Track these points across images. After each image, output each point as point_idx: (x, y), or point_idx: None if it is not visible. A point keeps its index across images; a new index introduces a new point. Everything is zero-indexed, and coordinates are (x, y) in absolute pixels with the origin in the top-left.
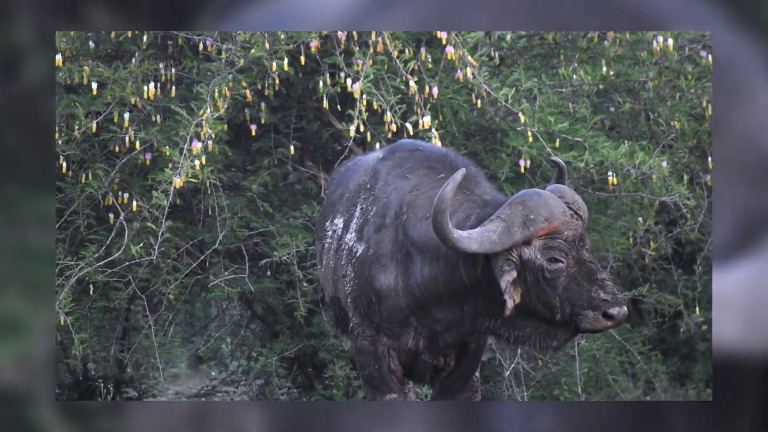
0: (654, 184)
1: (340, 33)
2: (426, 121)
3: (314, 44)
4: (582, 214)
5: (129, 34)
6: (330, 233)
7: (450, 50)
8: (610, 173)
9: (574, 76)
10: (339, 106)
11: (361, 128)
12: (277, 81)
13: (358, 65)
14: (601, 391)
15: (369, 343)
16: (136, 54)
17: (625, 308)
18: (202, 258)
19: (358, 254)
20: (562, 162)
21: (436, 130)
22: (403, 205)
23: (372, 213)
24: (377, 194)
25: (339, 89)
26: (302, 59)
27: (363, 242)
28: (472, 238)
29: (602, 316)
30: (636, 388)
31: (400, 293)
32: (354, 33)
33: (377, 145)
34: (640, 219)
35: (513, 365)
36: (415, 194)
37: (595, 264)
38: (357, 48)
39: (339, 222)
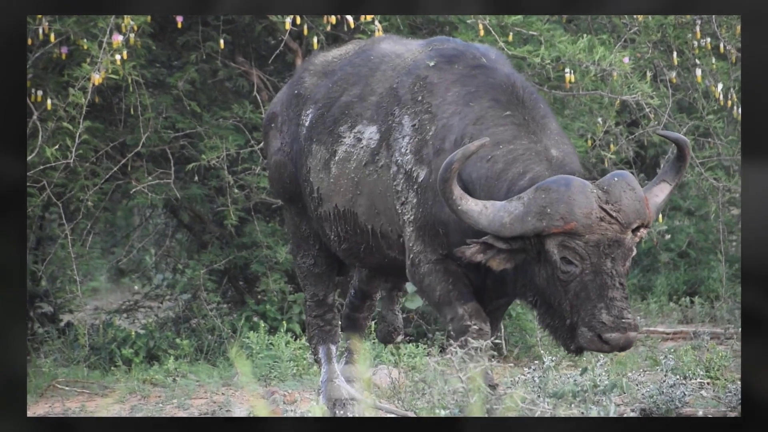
0: (615, 82)
1: None
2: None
3: None
4: (620, 218)
5: None
6: (351, 140)
7: None
8: (567, 70)
9: None
10: None
11: (298, 20)
12: None
13: None
14: None
15: (434, 264)
16: None
17: (630, 334)
18: (123, 162)
19: (420, 179)
20: (682, 139)
21: (380, 22)
22: (465, 137)
23: (431, 134)
24: (435, 112)
25: None
26: None
27: (424, 166)
28: (483, 213)
29: (597, 338)
30: None
31: (466, 229)
32: None
33: (314, 39)
34: (600, 119)
35: None
36: (478, 128)
37: (614, 278)
38: None
39: (369, 132)
